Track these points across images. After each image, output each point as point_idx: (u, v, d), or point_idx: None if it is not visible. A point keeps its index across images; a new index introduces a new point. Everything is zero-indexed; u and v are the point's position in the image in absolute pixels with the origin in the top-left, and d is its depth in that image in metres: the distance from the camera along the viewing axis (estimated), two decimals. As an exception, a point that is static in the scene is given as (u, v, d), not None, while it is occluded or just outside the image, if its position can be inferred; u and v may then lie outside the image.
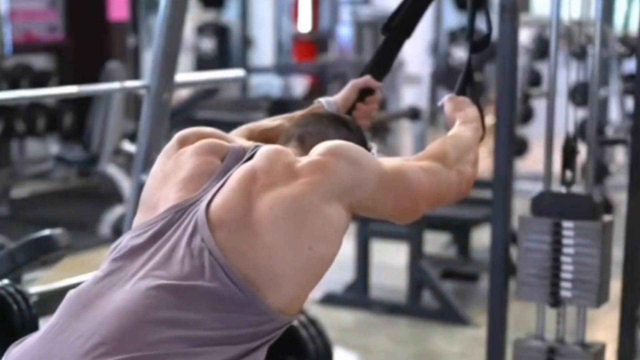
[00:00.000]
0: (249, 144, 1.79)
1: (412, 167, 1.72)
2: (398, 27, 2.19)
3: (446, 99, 2.05)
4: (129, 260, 1.57)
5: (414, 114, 5.27)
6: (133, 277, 1.53)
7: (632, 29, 6.83)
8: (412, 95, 10.03)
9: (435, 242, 5.59)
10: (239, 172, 1.61)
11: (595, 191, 2.98)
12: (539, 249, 2.89)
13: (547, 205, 2.90)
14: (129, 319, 1.47)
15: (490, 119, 2.57)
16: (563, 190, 2.93)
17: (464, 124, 1.95)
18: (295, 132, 1.80)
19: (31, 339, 1.55)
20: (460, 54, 7.79)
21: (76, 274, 2.96)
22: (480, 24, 2.11)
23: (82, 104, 6.99)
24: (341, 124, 1.82)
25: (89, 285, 1.57)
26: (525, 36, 7.35)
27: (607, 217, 2.90)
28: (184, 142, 1.74)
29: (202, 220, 1.55)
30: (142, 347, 1.44)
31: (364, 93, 2.15)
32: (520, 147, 6.97)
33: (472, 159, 1.86)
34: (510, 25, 2.97)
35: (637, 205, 2.97)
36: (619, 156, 7.24)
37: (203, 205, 1.57)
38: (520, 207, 3.86)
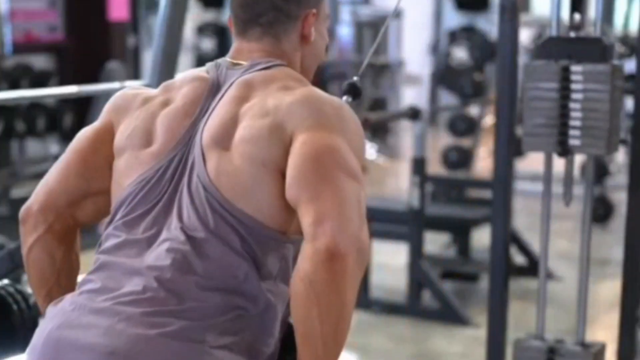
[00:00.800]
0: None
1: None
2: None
3: None
4: (157, 217, 1.62)
5: (414, 114, 5.27)
6: (162, 235, 1.60)
7: (632, 29, 6.83)
8: (412, 95, 10.04)
9: (435, 242, 5.59)
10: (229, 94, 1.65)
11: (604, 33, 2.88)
12: (546, 96, 2.80)
13: (554, 49, 2.79)
14: (164, 280, 1.54)
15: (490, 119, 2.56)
16: (571, 34, 2.84)
17: None
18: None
19: (64, 305, 1.60)
20: (460, 53, 7.79)
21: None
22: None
23: (82, 104, 6.98)
24: None
25: (120, 247, 1.63)
26: (525, 36, 7.35)
27: (616, 62, 2.82)
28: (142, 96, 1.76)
29: (199, 157, 1.61)
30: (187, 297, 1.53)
31: None
32: (520, 147, 6.97)
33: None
34: (510, 25, 2.97)
35: (637, 205, 2.97)
36: (619, 156, 7.24)
37: (199, 136, 1.63)
38: (521, 207, 3.86)
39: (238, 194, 1.57)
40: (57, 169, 1.78)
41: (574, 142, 2.78)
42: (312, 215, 1.49)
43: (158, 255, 1.57)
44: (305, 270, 1.47)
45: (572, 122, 2.77)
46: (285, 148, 1.57)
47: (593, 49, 2.76)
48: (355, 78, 1.82)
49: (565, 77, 2.77)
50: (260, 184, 1.57)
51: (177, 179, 1.63)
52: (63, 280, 1.77)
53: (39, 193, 1.77)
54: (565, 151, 2.80)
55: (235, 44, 1.77)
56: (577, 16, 2.83)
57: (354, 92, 1.97)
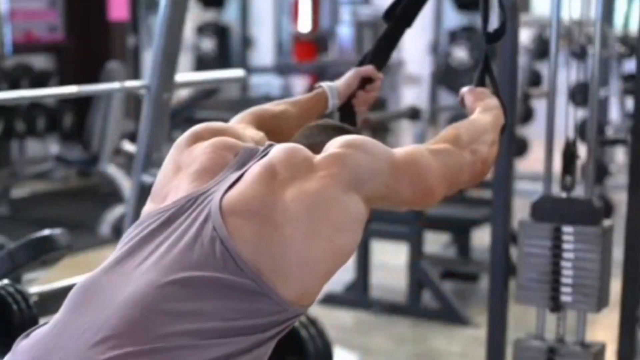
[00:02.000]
0: (260, 135, 1.83)
1: (422, 152, 1.74)
2: (400, 16, 2.20)
3: (466, 91, 2.07)
4: (137, 249, 1.57)
5: (414, 114, 5.28)
6: (141, 267, 1.53)
7: (632, 29, 6.83)
8: (412, 95, 10.03)
9: (435, 242, 5.59)
10: (257, 166, 1.62)
11: (595, 195, 2.98)
12: (539, 253, 2.89)
13: (547, 210, 2.91)
14: (137, 311, 1.46)
15: None
16: (563, 195, 2.92)
17: (483, 112, 1.97)
18: (300, 143, 1.78)
19: (39, 332, 1.54)
20: (460, 53, 7.79)
21: (76, 274, 2.96)
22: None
23: (82, 104, 6.98)
24: (345, 133, 1.81)
25: (97, 276, 1.57)
26: (525, 36, 7.35)
27: (607, 222, 2.90)
28: (197, 137, 1.74)
29: (215, 208, 1.55)
30: (151, 340, 1.43)
31: (365, 81, 2.18)
32: (520, 147, 6.97)
33: (487, 140, 1.87)
34: (510, 25, 2.97)
35: (637, 205, 2.97)
36: (619, 156, 7.24)
37: (218, 195, 1.58)
38: (520, 207, 3.85)
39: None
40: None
41: (565, 298, 2.88)
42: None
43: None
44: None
45: (564, 280, 2.87)
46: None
47: (584, 211, 2.86)
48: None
49: (557, 237, 2.87)
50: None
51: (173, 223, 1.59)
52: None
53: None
54: (557, 307, 2.89)
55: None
56: (568, 178, 2.91)
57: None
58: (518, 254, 2.94)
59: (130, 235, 1.61)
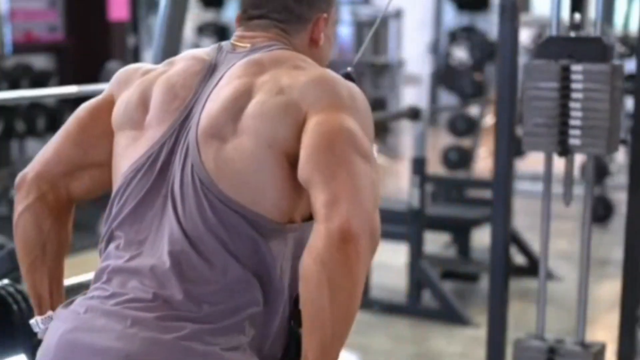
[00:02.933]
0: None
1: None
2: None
3: None
4: (145, 222, 1.61)
5: (414, 114, 5.27)
6: (159, 235, 1.58)
7: (632, 29, 6.83)
8: (412, 95, 10.04)
9: (435, 242, 5.59)
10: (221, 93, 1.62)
11: (604, 33, 2.88)
12: (546, 96, 2.79)
13: (554, 49, 2.79)
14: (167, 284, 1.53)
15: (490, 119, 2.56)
16: (572, 34, 2.84)
17: None
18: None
19: (76, 307, 1.60)
20: (460, 53, 7.79)
21: (76, 274, 2.96)
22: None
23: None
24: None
25: (117, 254, 1.62)
26: (525, 36, 7.35)
27: (616, 61, 2.82)
28: (138, 71, 1.75)
29: (193, 144, 1.58)
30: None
31: None
32: (520, 147, 6.96)
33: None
34: (510, 25, 2.97)
35: (637, 205, 2.97)
36: (619, 156, 7.24)
37: (195, 120, 1.60)
38: (521, 207, 3.86)
39: (238, 185, 1.55)
40: (56, 138, 1.78)
41: (574, 141, 2.78)
42: (327, 196, 1.47)
43: (162, 258, 1.56)
44: (318, 251, 1.45)
45: (572, 122, 2.77)
46: (298, 127, 1.54)
47: (593, 49, 2.76)
48: (349, 68, 1.82)
49: (565, 77, 2.77)
50: (264, 170, 1.54)
51: (168, 168, 1.61)
52: (48, 254, 1.76)
53: (35, 162, 1.77)
54: (566, 151, 2.80)
55: (238, 31, 1.74)
56: (577, 16, 2.82)
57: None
58: (523, 98, 2.84)
59: (131, 186, 1.64)
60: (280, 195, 1.56)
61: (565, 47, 2.78)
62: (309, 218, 1.58)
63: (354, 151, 1.52)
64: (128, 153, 1.66)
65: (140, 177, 1.63)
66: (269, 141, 1.54)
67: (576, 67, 2.76)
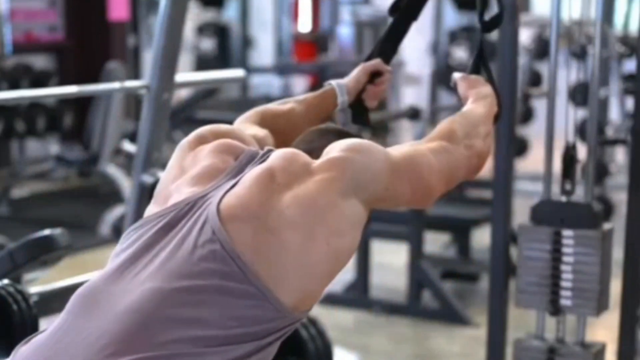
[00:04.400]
0: (264, 132, 1.84)
1: (421, 151, 1.73)
2: (405, 9, 2.20)
3: (459, 77, 2.04)
4: (138, 256, 1.56)
5: (414, 114, 5.28)
6: (142, 275, 1.52)
7: (632, 29, 6.83)
8: (412, 95, 10.03)
9: (435, 242, 5.59)
10: (255, 171, 1.61)
11: (594, 198, 2.98)
12: (539, 257, 2.89)
13: (547, 214, 2.90)
14: (138, 319, 1.46)
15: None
16: (563, 199, 2.92)
17: (477, 101, 1.95)
18: (301, 147, 1.78)
19: (39, 339, 1.54)
20: (460, 54, 7.79)
21: (76, 274, 2.96)
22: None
23: (82, 104, 6.99)
24: (347, 137, 1.81)
25: (98, 283, 1.56)
26: (525, 36, 7.35)
27: (606, 225, 2.90)
28: (201, 140, 1.74)
29: (213, 213, 1.55)
30: (152, 347, 1.43)
31: (373, 75, 2.19)
32: (520, 147, 6.97)
33: (482, 132, 1.86)
34: (510, 25, 2.97)
35: (637, 205, 2.97)
36: (619, 156, 7.24)
37: (215, 200, 1.57)
38: (520, 207, 3.86)
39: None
40: None
41: (565, 302, 2.87)
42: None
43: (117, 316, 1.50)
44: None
45: (564, 284, 2.87)
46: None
47: (584, 215, 2.86)
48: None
49: (556, 241, 2.87)
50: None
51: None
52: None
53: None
54: (557, 310, 2.89)
55: None
56: (568, 182, 2.92)
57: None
58: (518, 257, 2.94)
59: (131, 239, 1.61)
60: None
61: (557, 212, 2.89)
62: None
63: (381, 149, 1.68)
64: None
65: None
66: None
67: (567, 233, 2.86)
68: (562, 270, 2.86)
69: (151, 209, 1.67)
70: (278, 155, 1.65)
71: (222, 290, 1.49)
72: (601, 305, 2.87)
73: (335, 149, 1.65)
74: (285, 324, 1.54)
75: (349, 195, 1.59)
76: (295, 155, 1.64)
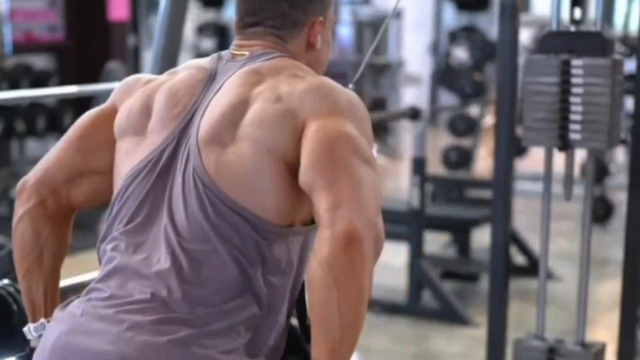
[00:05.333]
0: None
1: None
2: None
3: None
4: (147, 218, 1.61)
5: (414, 114, 5.27)
6: (156, 241, 1.58)
7: (632, 29, 6.84)
8: (412, 95, 10.04)
9: (435, 242, 5.59)
10: (221, 100, 1.63)
11: (605, 27, 2.87)
12: (546, 90, 2.78)
13: (555, 43, 2.79)
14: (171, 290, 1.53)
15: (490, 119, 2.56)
16: (572, 28, 2.84)
17: None
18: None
19: (73, 309, 1.60)
20: (460, 53, 7.79)
21: (76, 274, 2.96)
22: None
23: (82, 104, 6.97)
24: None
25: (122, 255, 1.61)
26: (525, 36, 7.35)
27: (617, 55, 2.81)
28: (140, 80, 1.76)
29: (194, 149, 1.59)
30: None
31: None
32: (520, 147, 6.97)
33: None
34: (510, 25, 2.97)
35: (637, 205, 2.97)
36: (619, 156, 7.24)
37: (195, 128, 1.61)
38: (521, 207, 3.86)
39: (239, 188, 1.56)
40: (58, 145, 1.79)
41: (574, 136, 2.77)
42: (330, 201, 1.48)
43: (160, 259, 1.57)
44: (323, 255, 1.45)
45: (573, 117, 2.76)
46: (297, 135, 1.55)
47: (593, 43, 2.75)
48: (350, 86, 1.84)
49: (565, 71, 2.76)
50: (263, 174, 1.55)
51: (168, 172, 1.62)
52: (45, 260, 1.76)
53: (37, 168, 1.78)
54: (566, 145, 2.79)
55: (236, 40, 1.76)
56: (577, 10, 2.82)
57: None
58: (523, 93, 2.83)
59: (131, 188, 1.64)
60: (281, 200, 1.57)
61: (566, 42, 2.77)
62: (310, 222, 1.59)
63: (355, 155, 1.53)
64: (129, 158, 1.67)
65: (140, 180, 1.64)
66: (268, 147, 1.56)
67: (576, 62, 2.75)
68: (571, 102, 2.75)
69: (128, 150, 1.68)
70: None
71: (224, 249, 1.55)
72: (611, 140, 2.77)
73: (334, 102, 1.60)
74: (288, 233, 1.59)
75: (292, 155, 1.57)
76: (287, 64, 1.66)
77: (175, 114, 1.65)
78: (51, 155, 1.78)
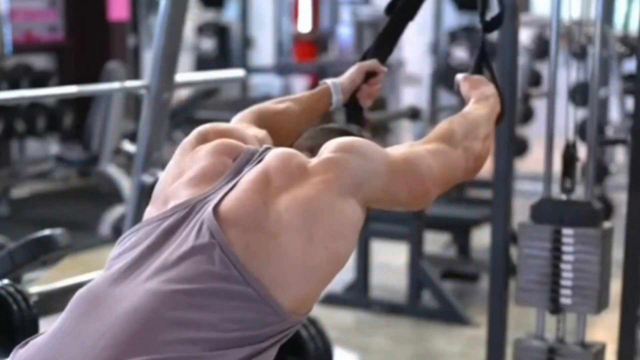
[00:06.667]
0: (263, 133, 1.84)
1: (419, 152, 1.73)
2: (401, 9, 2.19)
3: (461, 78, 2.03)
4: (138, 259, 1.56)
5: (414, 114, 5.27)
6: (142, 277, 1.52)
7: (632, 29, 6.83)
8: (412, 95, 10.03)
9: (435, 242, 5.59)
10: (251, 174, 1.61)
11: (595, 197, 2.98)
12: (539, 255, 2.89)
13: (547, 212, 2.90)
14: (138, 321, 1.45)
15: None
16: (563, 197, 2.92)
17: (478, 101, 1.95)
18: (304, 145, 1.79)
19: (38, 340, 1.53)
20: (460, 54, 7.79)
21: (76, 274, 2.96)
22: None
23: (82, 104, 6.98)
24: (349, 135, 1.79)
25: (98, 285, 1.55)
26: (525, 36, 7.35)
27: (606, 224, 2.90)
28: (203, 139, 1.74)
29: (210, 216, 1.54)
30: (151, 350, 1.43)
31: (368, 75, 2.19)
32: (520, 147, 6.97)
33: (481, 134, 1.85)
34: (510, 25, 2.97)
35: (637, 205, 2.97)
36: (619, 156, 7.24)
37: (212, 204, 1.57)
38: (520, 207, 3.86)
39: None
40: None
41: (565, 300, 2.88)
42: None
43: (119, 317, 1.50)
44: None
45: (564, 282, 2.87)
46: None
47: (584, 214, 2.86)
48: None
49: (556, 239, 2.87)
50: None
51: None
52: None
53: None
54: (557, 309, 2.89)
55: None
56: (568, 181, 2.92)
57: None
58: (518, 255, 2.94)
59: (130, 241, 1.60)
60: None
61: (557, 211, 2.89)
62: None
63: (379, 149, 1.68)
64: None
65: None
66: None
67: (567, 231, 2.86)
68: (562, 268, 2.86)
69: (150, 212, 1.67)
70: (274, 155, 1.64)
71: (221, 293, 1.49)
72: (601, 304, 2.87)
73: (329, 149, 1.64)
74: (284, 328, 1.54)
75: (346, 196, 1.59)
76: (291, 155, 1.64)
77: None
78: None
